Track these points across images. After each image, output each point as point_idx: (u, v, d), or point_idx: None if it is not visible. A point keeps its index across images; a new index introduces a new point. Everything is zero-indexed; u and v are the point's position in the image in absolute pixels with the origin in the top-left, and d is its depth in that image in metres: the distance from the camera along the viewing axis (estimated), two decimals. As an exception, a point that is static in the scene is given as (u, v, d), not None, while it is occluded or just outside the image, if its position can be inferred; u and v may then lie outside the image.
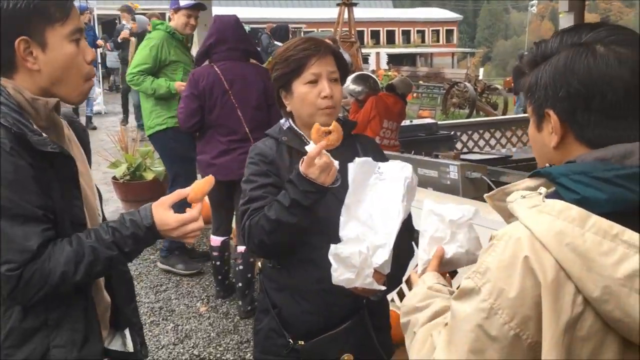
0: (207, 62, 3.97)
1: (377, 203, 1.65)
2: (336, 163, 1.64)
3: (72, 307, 1.44)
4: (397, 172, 1.68)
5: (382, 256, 1.60)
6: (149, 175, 5.73)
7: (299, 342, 1.80)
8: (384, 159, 1.87)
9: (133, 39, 10.49)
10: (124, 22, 10.75)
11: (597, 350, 0.94)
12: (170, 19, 4.63)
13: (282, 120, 1.91)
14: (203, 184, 1.48)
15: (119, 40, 10.46)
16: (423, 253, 1.38)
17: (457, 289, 1.06)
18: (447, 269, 1.40)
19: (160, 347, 3.65)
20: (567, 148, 1.05)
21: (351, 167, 1.68)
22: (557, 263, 0.93)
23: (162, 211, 1.43)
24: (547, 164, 1.13)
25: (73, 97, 1.46)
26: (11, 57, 1.36)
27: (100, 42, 10.87)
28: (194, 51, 4.66)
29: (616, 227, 0.92)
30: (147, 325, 3.92)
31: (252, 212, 1.76)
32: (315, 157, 1.60)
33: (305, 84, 1.78)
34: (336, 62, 1.84)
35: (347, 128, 1.88)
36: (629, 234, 0.91)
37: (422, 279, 1.32)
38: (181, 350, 3.62)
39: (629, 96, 0.99)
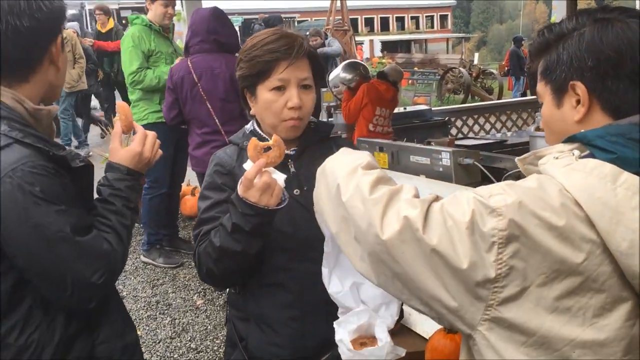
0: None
1: None
2: (281, 180, 1.42)
3: (107, 303, 1.46)
4: None
5: (392, 315, 1.43)
6: (143, 170, 5.72)
7: None
8: None
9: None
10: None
11: (608, 306, 0.96)
12: (147, 11, 4.61)
13: (248, 124, 1.70)
14: (121, 111, 1.54)
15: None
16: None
17: None
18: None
19: (158, 341, 3.66)
20: (591, 120, 1.08)
21: None
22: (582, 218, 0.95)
23: (122, 153, 1.49)
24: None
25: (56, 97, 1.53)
26: (40, 59, 1.35)
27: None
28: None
29: None
30: (144, 319, 3.93)
31: (202, 236, 1.56)
32: (254, 178, 1.38)
33: (270, 90, 1.55)
34: (311, 65, 1.59)
35: (322, 131, 1.70)
36: None
37: None
38: (178, 344, 3.62)
39: None
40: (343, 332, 1.41)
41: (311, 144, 1.65)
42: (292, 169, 1.60)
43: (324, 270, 1.45)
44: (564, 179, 0.98)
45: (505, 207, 0.96)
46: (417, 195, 1.08)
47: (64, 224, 1.28)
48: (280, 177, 1.42)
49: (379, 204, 1.05)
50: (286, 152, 1.47)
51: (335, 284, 1.44)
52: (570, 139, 1.08)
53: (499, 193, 0.98)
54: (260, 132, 1.65)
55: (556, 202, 0.95)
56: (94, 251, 1.33)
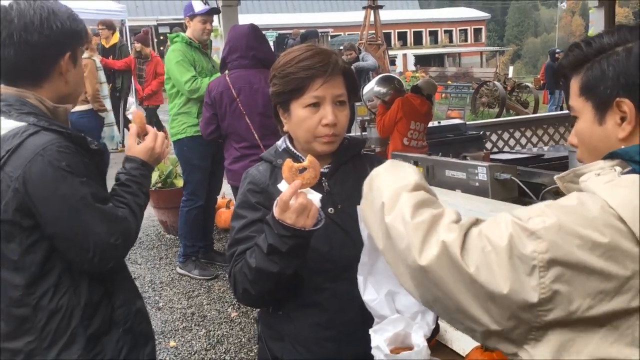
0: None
1: None
2: (317, 200, 1.39)
3: (120, 274, 1.71)
4: None
5: (428, 323, 1.41)
6: (180, 183, 5.80)
7: None
8: None
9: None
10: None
11: None
12: (186, 27, 4.72)
13: (279, 141, 1.69)
14: (136, 116, 1.86)
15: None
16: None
17: None
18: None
19: (193, 352, 3.69)
20: (636, 137, 1.07)
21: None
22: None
23: (138, 148, 1.77)
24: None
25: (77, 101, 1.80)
26: (49, 70, 1.58)
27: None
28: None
29: None
30: (179, 331, 3.98)
31: (237, 256, 1.54)
32: (290, 200, 1.35)
33: (305, 107, 1.53)
34: (345, 81, 1.57)
35: (354, 147, 1.67)
36: None
37: None
38: (213, 356, 3.65)
39: None
40: (379, 339, 1.39)
41: (344, 161, 1.64)
42: (326, 187, 1.59)
43: (359, 278, 1.44)
44: (607, 195, 0.96)
45: (544, 230, 0.93)
46: (458, 220, 1.06)
47: (86, 193, 1.53)
48: (316, 197, 1.40)
49: (419, 229, 1.04)
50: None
51: (371, 292, 1.44)
52: (610, 156, 1.07)
53: (538, 215, 0.96)
54: (292, 149, 1.64)
55: (598, 219, 0.93)
56: (112, 216, 1.57)
